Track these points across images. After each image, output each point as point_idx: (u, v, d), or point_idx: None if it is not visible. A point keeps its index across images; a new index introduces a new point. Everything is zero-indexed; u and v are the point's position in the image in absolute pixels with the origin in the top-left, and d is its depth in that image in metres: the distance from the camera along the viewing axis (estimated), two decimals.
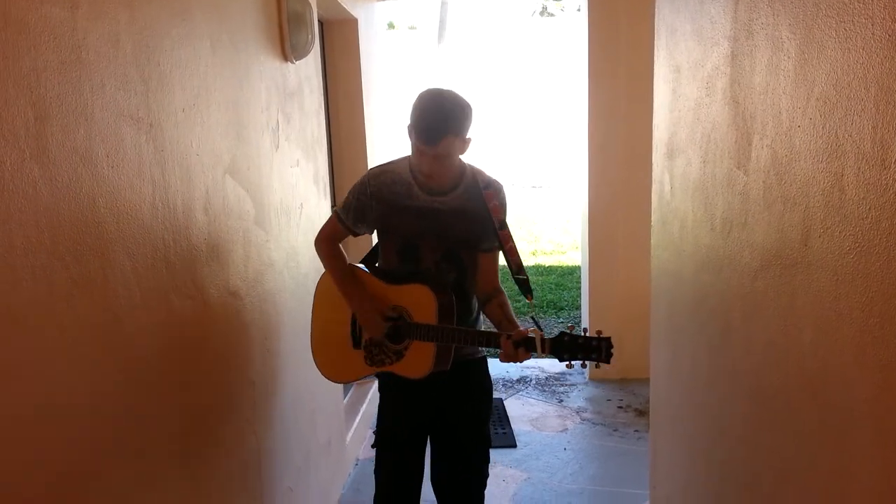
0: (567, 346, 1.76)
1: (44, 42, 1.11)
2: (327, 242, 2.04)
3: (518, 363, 1.82)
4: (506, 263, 1.96)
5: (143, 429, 1.42)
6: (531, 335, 1.76)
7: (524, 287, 1.93)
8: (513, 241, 1.95)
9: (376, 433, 2.09)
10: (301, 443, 2.48)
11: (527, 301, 1.96)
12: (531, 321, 1.90)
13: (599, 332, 1.76)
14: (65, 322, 1.17)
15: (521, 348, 1.77)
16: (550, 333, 1.78)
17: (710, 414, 1.72)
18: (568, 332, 1.76)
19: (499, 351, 1.81)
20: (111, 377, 1.31)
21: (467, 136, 1.87)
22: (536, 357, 1.77)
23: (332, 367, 2.08)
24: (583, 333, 1.76)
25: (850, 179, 0.94)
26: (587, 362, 1.77)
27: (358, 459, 3.31)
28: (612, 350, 1.74)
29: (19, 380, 1.06)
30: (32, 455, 1.09)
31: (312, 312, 2.09)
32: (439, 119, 1.78)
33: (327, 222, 2.07)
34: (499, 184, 1.99)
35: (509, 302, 2.00)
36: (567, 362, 1.77)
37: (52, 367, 1.13)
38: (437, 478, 2.09)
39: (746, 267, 1.40)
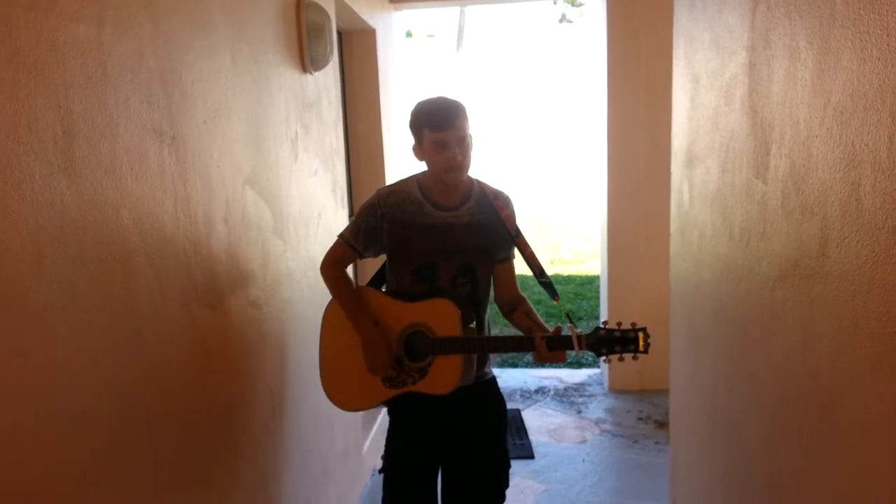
0: (604, 340, 1.77)
1: (71, 59, 1.15)
2: (333, 268, 1.98)
3: (554, 363, 1.82)
4: (529, 269, 1.96)
5: (163, 436, 1.44)
6: (567, 332, 1.77)
7: (550, 289, 1.93)
8: (530, 247, 1.95)
9: (385, 458, 2.01)
10: (319, 452, 2.49)
11: (554, 303, 1.95)
12: (566, 317, 1.90)
13: (634, 324, 1.77)
14: (89, 331, 1.20)
15: (556, 347, 1.77)
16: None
17: (730, 425, 1.70)
18: (603, 326, 1.77)
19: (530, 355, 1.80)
20: (133, 385, 1.33)
21: (470, 132, 1.89)
22: (573, 354, 1.78)
23: (344, 394, 1.99)
24: (617, 327, 1.77)
25: (867, 189, 0.94)
26: (625, 355, 1.78)
27: (374, 469, 3.32)
28: (649, 340, 1.74)
29: (44, 387, 1.09)
30: (55, 459, 1.12)
31: (321, 339, 2.01)
32: (448, 105, 1.83)
33: (332, 248, 2.01)
34: (506, 195, 2.00)
35: (534, 308, 2.00)
36: (605, 357, 1.77)
37: (75, 375, 1.16)
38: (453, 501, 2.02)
39: (765, 277, 1.39)
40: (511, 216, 1.96)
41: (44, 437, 1.08)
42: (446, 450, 2.00)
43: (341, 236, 2.00)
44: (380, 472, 2.02)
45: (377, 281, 2.09)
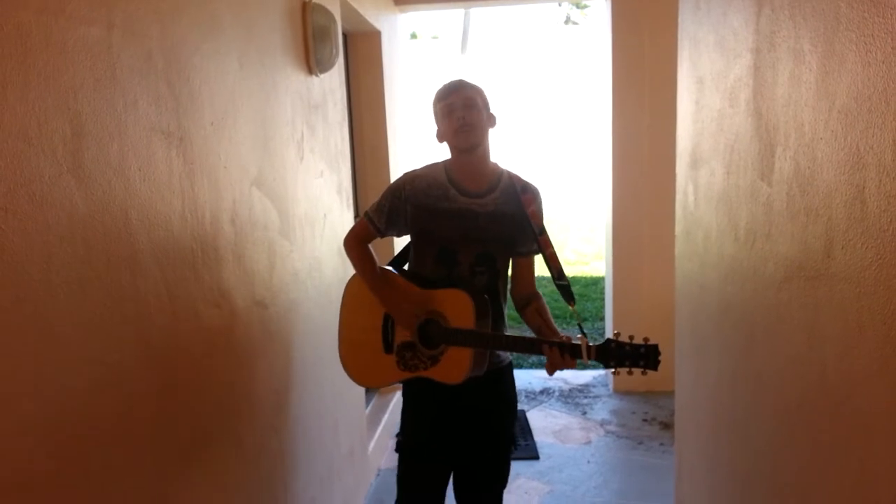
0: (613, 353, 1.74)
1: (81, 61, 1.16)
2: (357, 244, 2.05)
3: (560, 370, 1.81)
4: (547, 269, 1.96)
5: (168, 435, 1.45)
6: (576, 342, 1.76)
7: (566, 293, 1.93)
8: (552, 247, 1.96)
9: (400, 440, 2.07)
10: (324, 452, 2.50)
11: (569, 307, 1.95)
12: (578, 328, 1.89)
13: (646, 339, 1.75)
14: (97, 330, 1.20)
15: (566, 355, 1.77)
16: (595, 341, 1.78)
17: (735, 426, 1.70)
18: (614, 339, 1.75)
19: (535, 359, 1.80)
20: (139, 384, 1.34)
21: (492, 112, 1.98)
22: (581, 363, 1.77)
23: (362, 371, 2.05)
24: (629, 340, 1.76)
25: (872, 191, 0.94)
26: (634, 369, 1.75)
27: (380, 469, 3.32)
28: (660, 357, 1.73)
29: (51, 385, 1.10)
30: (61, 457, 1.13)
31: (340, 317, 2.07)
32: (455, 80, 1.96)
33: (357, 224, 2.09)
34: (535, 188, 2.00)
35: (547, 306, 2.01)
36: (613, 369, 1.76)
37: (83, 374, 1.17)
38: (458, 480, 2.07)
39: (770, 278, 1.39)
40: (537, 212, 1.96)
41: (50, 436, 1.09)
42: (455, 429, 2.02)
43: (365, 213, 2.06)
44: (395, 450, 2.07)
45: (397, 262, 2.13)
